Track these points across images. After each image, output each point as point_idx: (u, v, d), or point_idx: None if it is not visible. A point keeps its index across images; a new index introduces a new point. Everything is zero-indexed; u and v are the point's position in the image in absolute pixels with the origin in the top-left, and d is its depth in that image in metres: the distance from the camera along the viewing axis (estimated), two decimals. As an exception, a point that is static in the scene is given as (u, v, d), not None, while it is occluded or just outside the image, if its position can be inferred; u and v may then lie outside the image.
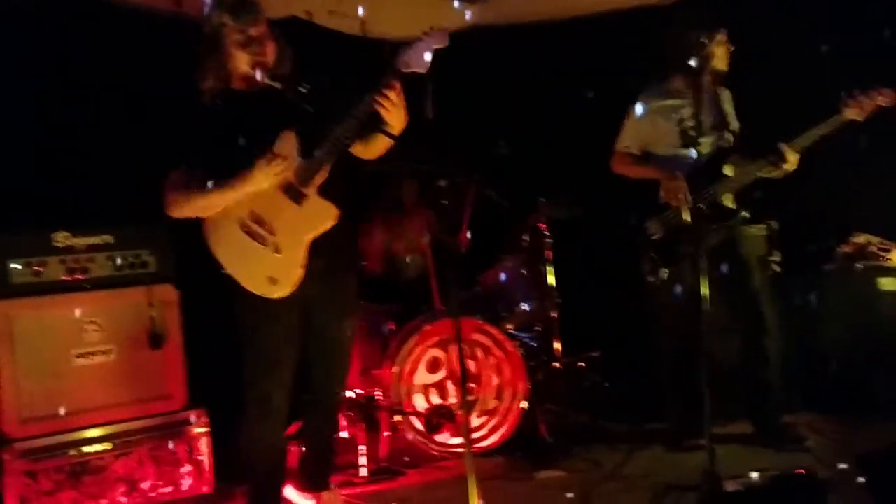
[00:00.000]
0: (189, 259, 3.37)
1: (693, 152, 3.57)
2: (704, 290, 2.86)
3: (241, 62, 2.75)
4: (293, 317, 2.85)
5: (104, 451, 3.31)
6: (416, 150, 4.48)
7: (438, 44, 2.68)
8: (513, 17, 5.44)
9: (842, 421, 3.71)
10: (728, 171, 3.58)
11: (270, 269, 2.74)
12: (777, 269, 4.09)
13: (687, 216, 3.44)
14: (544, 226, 4.21)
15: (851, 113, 3.34)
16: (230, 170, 2.72)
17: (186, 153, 2.79)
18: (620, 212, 3.83)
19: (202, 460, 3.51)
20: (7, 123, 3.69)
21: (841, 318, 4.01)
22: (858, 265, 4.03)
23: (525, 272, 4.19)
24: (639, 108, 3.73)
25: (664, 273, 3.60)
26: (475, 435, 3.83)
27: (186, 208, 2.77)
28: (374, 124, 2.76)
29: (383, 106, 2.67)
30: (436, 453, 3.78)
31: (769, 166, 3.48)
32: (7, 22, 3.71)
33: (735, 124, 3.73)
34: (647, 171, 3.68)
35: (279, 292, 2.74)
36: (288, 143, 2.75)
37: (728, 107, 3.74)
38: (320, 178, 2.75)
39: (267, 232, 2.76)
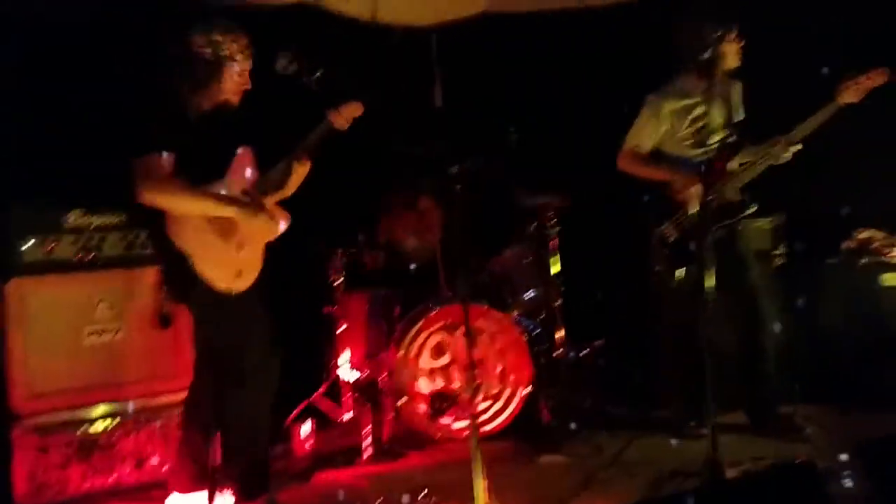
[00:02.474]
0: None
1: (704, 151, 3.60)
2: (709, 282, 2.90)
3: (231, 92, 2.97)
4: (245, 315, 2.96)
5: (113, 428, 3.36)
6: (425, 137, 4.54)
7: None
8: (523, 6, 5.47)
9: (841, 412, 3.76)
10: (736, 166, 3.60)
11: (236, 264, 2.90)
12: (781, 261, 4.12)
13: (700, 215, 3.46)
14: (550, 215, 4.24)
15: (846, 97, 3.35)
16: (205, 169, 2.88)
17: (154, 143, 2.81)
18: (627, 202, 3.87)
19: (209, 438, 3.55)
20: (23, 101, 3.70)
21: (843, 312, 4.05)
22: (862, 260, 4.06)
23: (530, 260, 4.22)
24: (650, 106, 3.72)
25: (680, 273, 3.61)
26: (478, 419, 3.87)
27: (171, 201, 2.80)
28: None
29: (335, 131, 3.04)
30: (439, 436, 3.82)
31: (772, 158, 3.50)
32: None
33: (742, 117, 3.76)
34: (657, 173, 3.68)
35: (243, 284, 2.90)
36: (246, 158, 3.02)
37: (738, 100, 3.75)
38: (277, 191, 3.04)
39: (230, 231, 2.90)
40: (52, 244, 3.37)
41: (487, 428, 3.88)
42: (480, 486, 2.58)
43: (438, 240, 4.31)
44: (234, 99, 2.99)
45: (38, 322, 3.29)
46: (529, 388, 3.91)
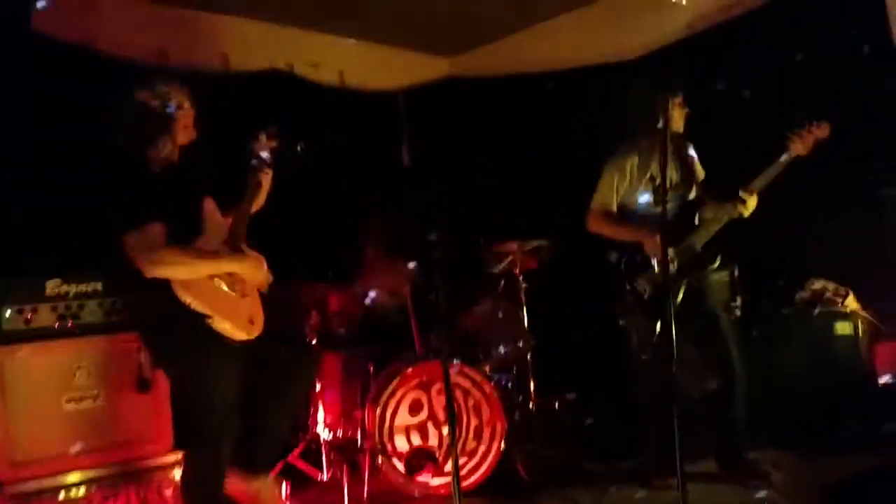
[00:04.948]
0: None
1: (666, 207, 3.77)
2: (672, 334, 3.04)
3: (183, 139, 3.02)
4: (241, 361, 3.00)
5: (92, 493, 3.37)
6: (396, 199, 4.69)
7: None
8: (486, 70, 5.70)
9: (803, 457, 3.90)
10: (699, 220, 3.78)
11: (247, 312, 2.97)
12: (738, 313, 4.29)
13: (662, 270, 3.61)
14: (519, 270, 4.38)
15: (796, 149, 3.57)
16: (186, 229, 2.92)
17: (142, 215, 2.80)
18: (595, 255, 4.01)
19: (188, 503, 3.56)
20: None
21: (801, 360, 4.22)
22: (816, 310, 4.26)
23: (501, 315, 4.34)
24: (611, 167, 3.89)
25: (656, 327, 3.68)
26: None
27: (175, 270, 2.80)
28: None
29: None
30: (417, 494, 3.86)
31: (733, 210, 3.68)
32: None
33: (701, 174, 3.96)
34: (625, 233, 3.82)
35: (256, 330, 2.98)
36: (211, 206, 3.10)
37: (692, 159, 3.96)
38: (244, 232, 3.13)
39: (230, 280, 2.97)
40: (31, 313, 3.42)
41: (463, 484, 3.93)
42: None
43: (409, 297, 4.40)
44: (177, 154, 3.01)
45: (18, 390, 3.33)
46: (504, 444, 3.98)
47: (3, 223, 3.74)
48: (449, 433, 2.89)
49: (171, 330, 2.84)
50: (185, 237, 2.90)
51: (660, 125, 3.45)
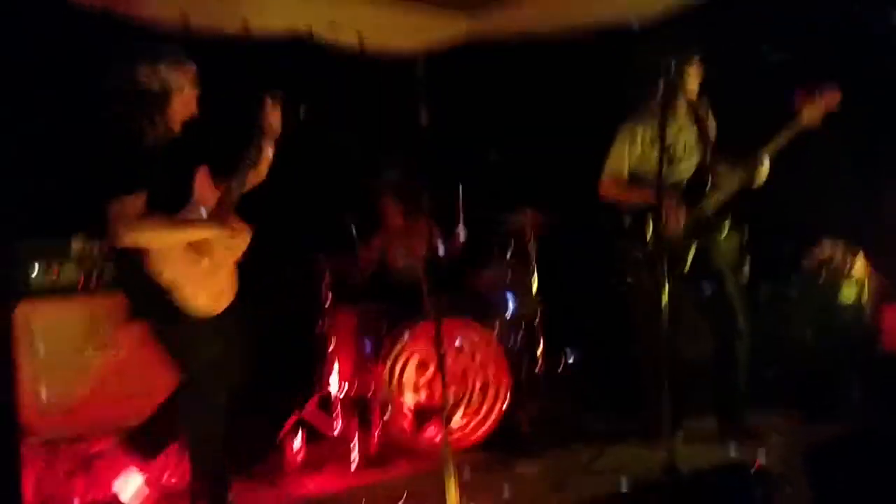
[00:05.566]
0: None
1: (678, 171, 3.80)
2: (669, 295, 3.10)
3: (177, 122, 3.08)
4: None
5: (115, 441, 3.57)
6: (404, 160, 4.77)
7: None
8: (505, 30, 5.69)
9: (804, 421, 3.95)
10: (711, 185, 3.80)
11: (217, 285, 3.07)
12: (747, 275, 4.32)
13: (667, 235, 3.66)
14: (529, 232, 4.46)
15: (806, 118, 3.57)
16: (170, 200, 3.00)
17: (123, 185, 2.88)
18: (604, 219, 4.07)
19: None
20: (26, 130, 3.87)
21: (806, 323, 4.25)
22: (823, 273, 4.26)
23: (510, 276, 4.43)
24: (624, 135, 3.93)
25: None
26: (459, 433, 4.07)
27: (150, 238, 2.91)
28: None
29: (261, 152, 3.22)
30: (423, 448, 4.01)
31: (745, 176, 3.70)
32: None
33: (714, 136, 3.97)
34: (638, 195, 3.86)
35: (225, 303, 3.07)
36: (205, 177, 3.16)
37: (709, 122, 3.96)
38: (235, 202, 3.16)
39: (204, 252, 3.05)
40: (57, 270, 3.60)
41: (468, 439, 4.08)
42: (453, 493, 2.80)
43: (424, 257, 4.50)
44: (178, 127, 3.09)
45: (45, 343, 3.52)
46: (509, 401, 4.10)
47: (31, 185, 3.90)
48: (442, 395, 2.99)
49: (141, 298, 2.99)
50: (168, 207, 2.97)
51: (660, 94, 3.49)
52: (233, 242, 3.15)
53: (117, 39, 3.85)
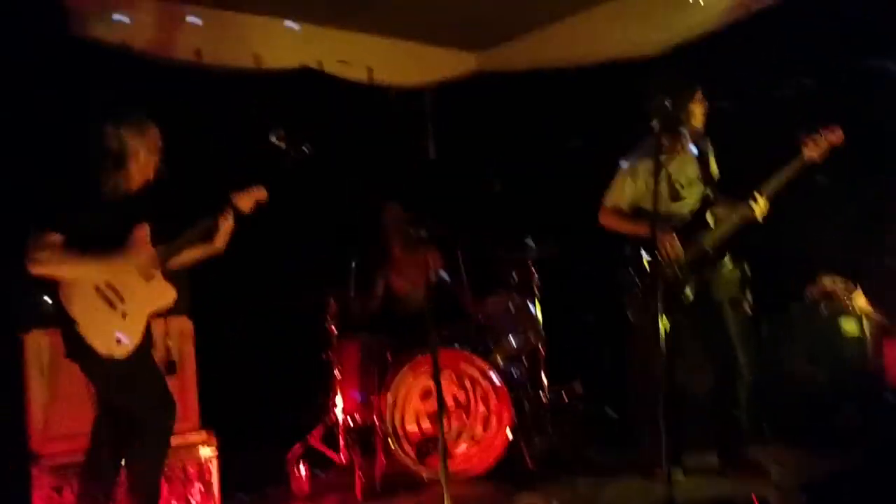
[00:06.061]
0: (202, 294, 3.73)
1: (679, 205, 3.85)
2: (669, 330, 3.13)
3: (137, 181, 3.23)
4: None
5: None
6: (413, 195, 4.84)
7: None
8: (512, 65, 5.80)
9: (805, 454, 3.95)
10: (711, 221, 3.84)
11: (118, 330, 3.10)
12: (748, 310, 4.33)
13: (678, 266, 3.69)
14: (531, 263, 4.52)
15: (810, 153, 3.58)
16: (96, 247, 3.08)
17: (56, 222, 3.02)
18: (605, 251, 4.11)
19: (211, 479, 3.81)
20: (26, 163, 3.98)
21: (807, 357, 4.25)
22: (823, 307, 4.28)
23: (513, 307, 4.47)
24: (627, 167, 3.96)
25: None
26: (463, 464, 4.10)
27: (57, 269, 3.01)
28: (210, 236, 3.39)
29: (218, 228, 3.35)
30: (427, 477, 4.03)
31: (745, 212, 3.74)
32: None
33: (716, 173, 4.01)
34: (636, 228, 3.88)
35: (121, 352, 3.09)
36: (143, 233, 3.23)
37: (710, 158, 4.01)
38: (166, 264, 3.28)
39: (117, 299, 3.12)
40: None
41: (471, 471, 4.10)
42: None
43: (428, 287, 4.55)
44: (135, 186, 3.23)
45: (55, 370, 3.58)
46: (511, 433, 4.13)
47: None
48: (438, 423, 3.02)
49: (60, 325, 3.08)
50: (85, 249, 3.05)
51: (676, 122, 3.51)
52: (151, 295, 3.23)
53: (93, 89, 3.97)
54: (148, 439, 3.19)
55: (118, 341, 3.08)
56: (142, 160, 3.20)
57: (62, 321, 3.05)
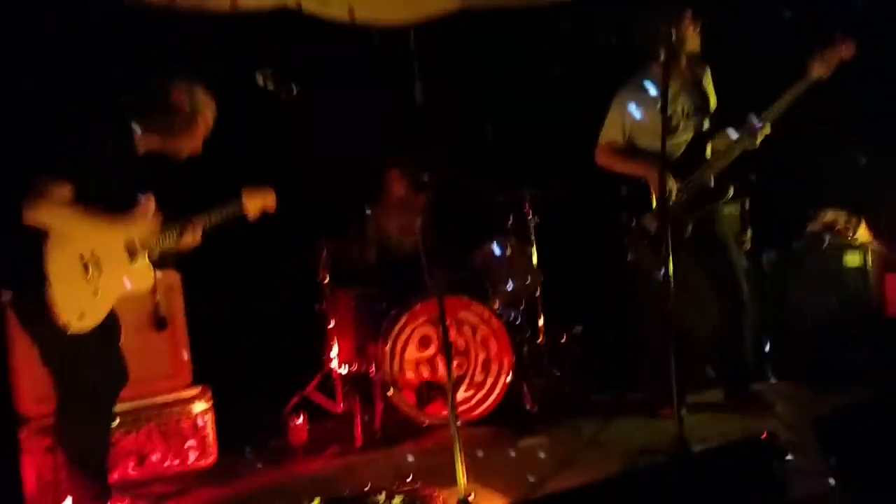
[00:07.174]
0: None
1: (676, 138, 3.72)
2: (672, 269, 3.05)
3: (186, 152, 3.19)
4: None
5: (114, 427, 3.51)
6: (403, 140, 4.70)
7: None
8: (499, 2, 5.60)
9: (810, 388, 3.94)
10: (710, 153, 3.73)
11: (84, 305, 2.97)
12: (749, 245, 4.28)
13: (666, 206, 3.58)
14: (528, 207, 4.41)
15: (817, 71, 3.41)
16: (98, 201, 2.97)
17: (69, 172, 2.90)
18: (603, 194, 4.01)
19: (206, 434, 3.73)
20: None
21: (810, 292, 4.21)
22: (825, 241, 4.22)
23: (510, 251, 4.38)
24: (620, 101, 3.83)
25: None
26: (464, 407, 4.04)
27: (62, 220, 2.88)
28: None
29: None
30: (427, 424, 3.99)
31: (746, 142, 3.59)
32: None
33: (714, 103, 3.88)
34: (632, 167, 3.78)
35: (81, 326, 2.96)
36: (151, 203, 3.17)
37: (708, 86, 3.87)
38: (157, 248, 3.22)
39: (97, 272, 3.00)
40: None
41: (471, 415, 4.05)
42: (461, 469, 2.77)
43: (421, 233, 4.44)
44: (183, 155, 3.19)
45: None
46: (511, 376, 4.08)
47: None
48: (446, 369, 2.94)
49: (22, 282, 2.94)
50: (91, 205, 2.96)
51: (669, 50, 3.37)
52: (131, 275, 3.14)
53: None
54: (81, 406, 3.08)
55: (81, 316, 2.95)
56: (203, 129, 3.15)
57: (32, 278, 2.87)
